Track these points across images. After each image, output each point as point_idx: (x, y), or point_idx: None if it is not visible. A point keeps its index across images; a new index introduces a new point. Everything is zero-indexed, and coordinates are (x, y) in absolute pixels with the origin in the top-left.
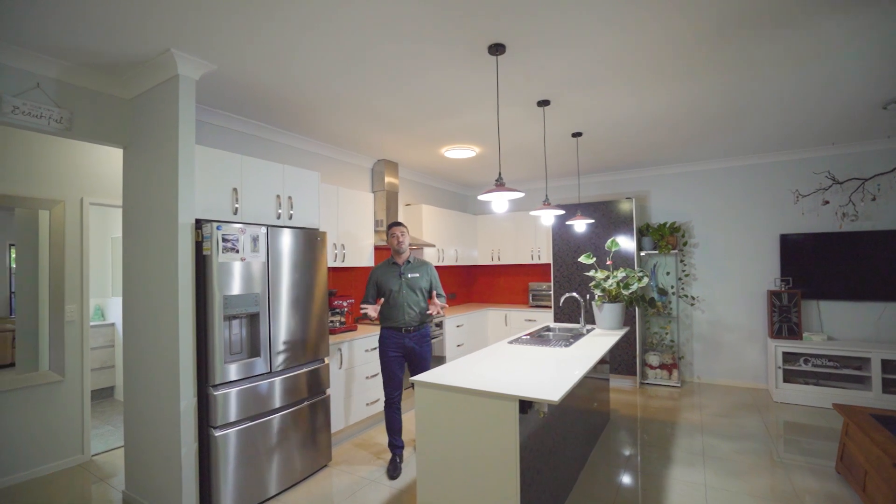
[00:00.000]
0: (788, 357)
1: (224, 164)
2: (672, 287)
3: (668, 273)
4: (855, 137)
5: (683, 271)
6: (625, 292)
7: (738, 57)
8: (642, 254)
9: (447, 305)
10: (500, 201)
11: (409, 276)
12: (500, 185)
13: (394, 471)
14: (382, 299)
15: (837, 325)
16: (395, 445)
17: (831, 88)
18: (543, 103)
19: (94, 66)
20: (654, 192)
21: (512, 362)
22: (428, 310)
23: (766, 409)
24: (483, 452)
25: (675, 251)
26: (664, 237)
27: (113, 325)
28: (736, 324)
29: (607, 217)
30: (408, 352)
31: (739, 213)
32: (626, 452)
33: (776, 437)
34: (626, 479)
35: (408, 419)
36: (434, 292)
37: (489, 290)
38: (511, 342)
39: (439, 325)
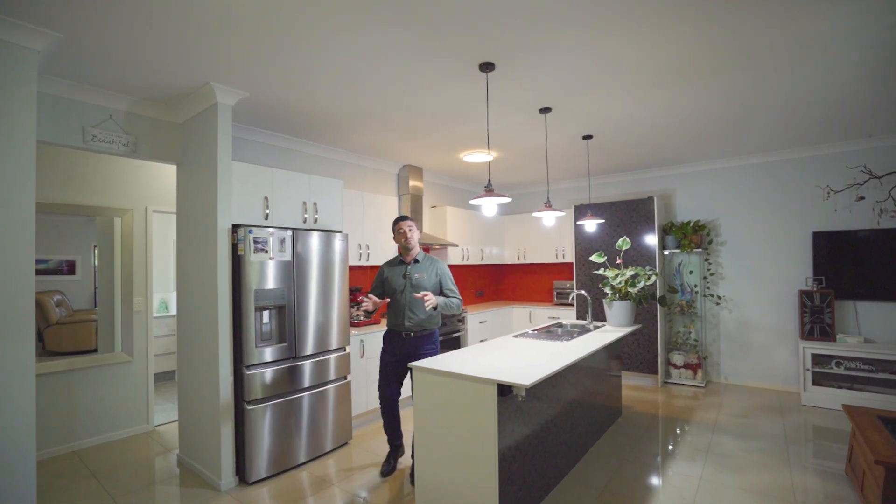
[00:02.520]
0: (819, 359)
1: (256, 176)
2: (695, 286)
3: (691, 272)
4: (894, 129)
5: (709, 270)
6: (631, 290)
7: (749, 51)
8: (666, 252)
9: (430, 299)
10: (489, 205)
11: (415, 276)
12: (489, 190)
13: (386, 466)
14: (388, 299)
15: (876, 327)
16: (393, 443)
17: (856, 78)
18: (545, 110)
19: (152, 98)
20: (680, 191)
21: (510, 353)
22: (433, 309)
23: (790, 411)
24: (469, 430)
25: (700, 250)
26: (687, 236)
27: (175, 316)
28: (765, 324)
29: (629, 216)
30: (407, 358)
31: (768, 210)
32: (630, 445)
33: (793, 438)
34: (622, 469)
35: (406, 416)
36: (443, 292)
37: (516, 288)
38: (517, 336)
39: (462, 320)
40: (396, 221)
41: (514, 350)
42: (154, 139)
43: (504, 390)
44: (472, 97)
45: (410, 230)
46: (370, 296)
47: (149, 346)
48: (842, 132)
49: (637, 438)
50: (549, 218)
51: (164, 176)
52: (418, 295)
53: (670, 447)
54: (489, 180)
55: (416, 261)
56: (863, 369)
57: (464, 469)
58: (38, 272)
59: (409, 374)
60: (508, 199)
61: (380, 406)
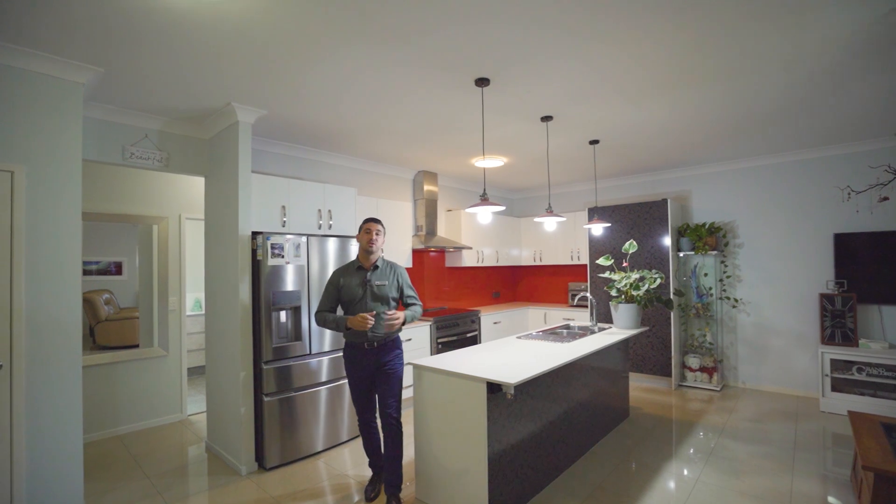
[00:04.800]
0: (839, 365)
1: (274, 186)
2: (710, 288)
3: (706, 274)
4: None
5: (725, 272)
6: (634, 293)
7: (752, 54)
8: (681, 254)
9: (399, 318)
10: (485, 213)
11: (376, 283)
12: (484, 199)
13: (371, 491)
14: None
15: None
16: (376, 465)
17: (875, 74)
18: (546, 118)
19: (183, 118)
20: (696, 192)
21: (509, 353)
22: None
23: (806, 417)
24: (462, 424)
25: (715, 252)
26: (702, 238)
27: None
28: (784, 328)
29: (643, 218)
30: (373, 370)
31: (787, 212)
32: (633, 446)
33: (803, 444)
34: (620, 468)
35: None
36: (402, 300)
37: (533, 290)
38: (520, 337)
39: (474, 321)
40: (366, 221)
41: (514, 350)
42: (184, 154)
43: (494, 388)
44: (473, 108)
45: (378, 234)
46: (367, 315)
47: (182, 342)
48: (863, 131)
49: (641, 439)
50: (550, 223)
51: (196, 186)
52: (389, 314)
53: (673, 448)
54: (484, 189)
55: (375, 266)
56: (886, 376)
57: (458, 459)
58: (90, 272)
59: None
60: (502, 208)
61: (358, 423)
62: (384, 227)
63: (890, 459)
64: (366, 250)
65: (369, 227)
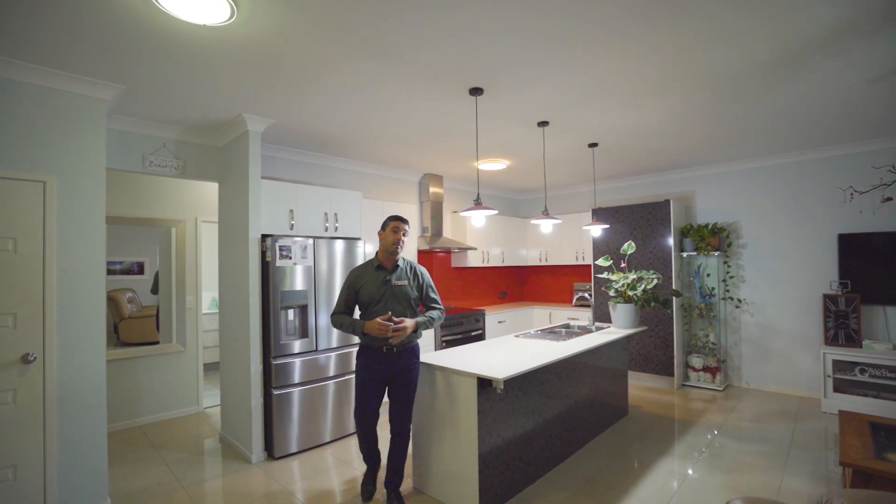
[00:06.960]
0: (842, 366)
1: (283, 191)
2: (713, 289)
3: (708, 275)
4: None
5: (728, 273)
6: (631, 293)
7: (747, 58)
8: (684, 255)
9: (404, 326)
10: (478, 217)
11: (396, 282)
12: (478, 203)
13: (366, 490)
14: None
15: None
16: (371, 459)
17: (879, 74)
18: (543, 124)
19: (198, 128)
20: (700, 193)
21: (505, 350)
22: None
23: (807, 418)
24: (455, 417)
25: (718, 252)
26: (704, 238)
27: None
28: (787, 329)
29: (645, 219)
30: (389, 375)
31: (791, 212)
32: (629, 442)
33: (799, 443)
34: (613, 463)
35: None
36: (423, 302)
37: (539, 290)
38: (518, 335)
39: (478, 319)
40: (394, 219)
41: (510, 348)
42: (199, 162)
43: (485, 383)
44: (470, 115)
45: (405, 235)
46: (381, 320)
47: (198, 339)
48: (866, 131)
49: (638, 436)
50: (546, 224)
51: (211, 191)
52: (396, 320)
53: (668, 446)
54: (478, 194)
55: (396, 266)
56: (889, 377)
57: (451, 451)
58: (114, 272)
59: (386, 394)
60: (495, 212)
61: (356, 427)
62: (409, 228)
63: (869, 456)
64: (390, 251)
65: (397, 226)
